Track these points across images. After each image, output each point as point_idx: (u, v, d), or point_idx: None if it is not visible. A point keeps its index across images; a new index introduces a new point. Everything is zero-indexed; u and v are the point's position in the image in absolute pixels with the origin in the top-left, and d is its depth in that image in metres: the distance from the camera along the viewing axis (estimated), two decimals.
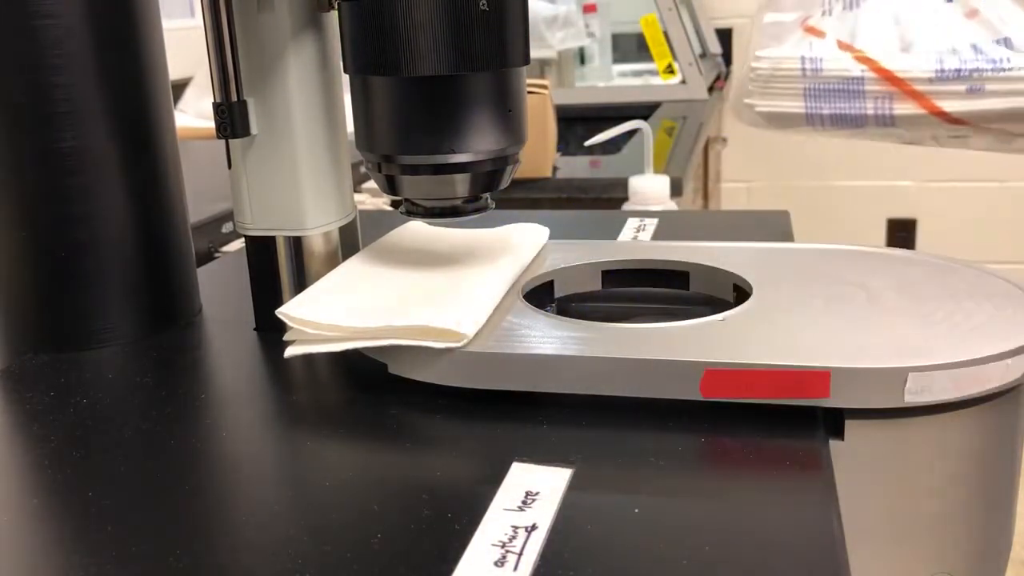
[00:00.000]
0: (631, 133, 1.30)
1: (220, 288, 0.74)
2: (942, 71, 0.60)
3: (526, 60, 0.56)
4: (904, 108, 0.62)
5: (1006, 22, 0.60)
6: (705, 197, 2.17)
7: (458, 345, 0.49)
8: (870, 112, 0.62)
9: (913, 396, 0.45)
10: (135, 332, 0.63)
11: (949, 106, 0.60)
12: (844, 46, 0.62)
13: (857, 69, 0.62)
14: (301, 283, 0.62)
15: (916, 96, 0.61)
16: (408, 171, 0.56)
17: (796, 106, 0.64)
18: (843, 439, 0.46)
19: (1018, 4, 0.61)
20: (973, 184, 2.62)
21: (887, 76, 0.61)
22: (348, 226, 0.65)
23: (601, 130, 1.07)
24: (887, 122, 0.62)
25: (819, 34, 0.63)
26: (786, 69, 0.64)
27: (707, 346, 0.48)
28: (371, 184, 1.30)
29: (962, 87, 0.60)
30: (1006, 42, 0.60)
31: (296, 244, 0.63)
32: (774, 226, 0.84)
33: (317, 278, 0.60)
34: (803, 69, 0.63)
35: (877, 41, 0.62)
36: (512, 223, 0.69)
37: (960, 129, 0.62)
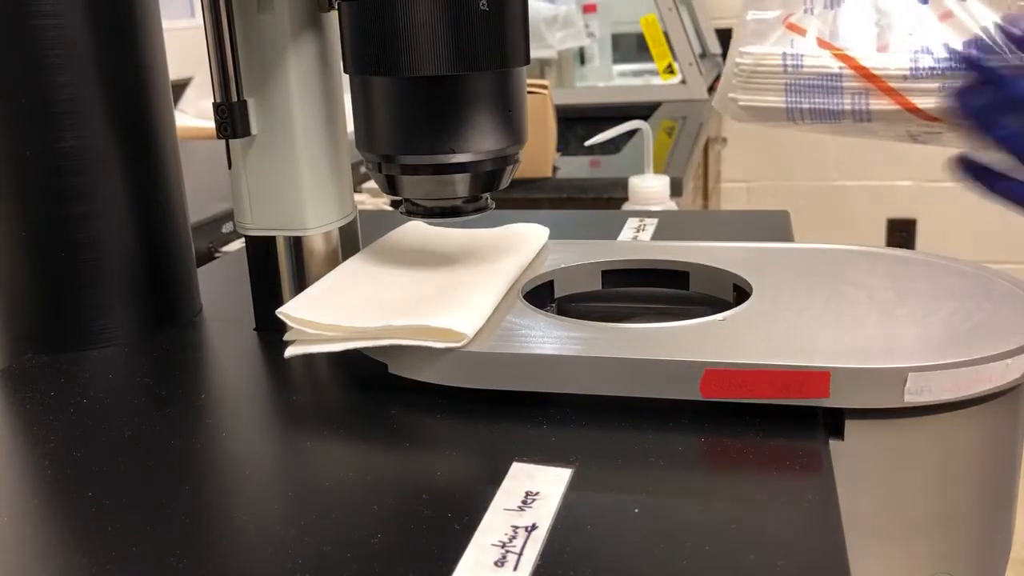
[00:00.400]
0: (631, 133, 1.30)
1: (220, 288, 0.74)
2: (916, 70, 0.61)
3: (526, 60, 0.56)
4: (880, 104, 0.63)
5: (979, 24, 0.61)
6: (705, 197, 2.17)
7: (458, 345, 0.49)
8: (847, 107, 0.64)
9: (913, 396, 0.45)
10: (135, 332, 0.63)
11: (922, 103, 0.61)
12: (824, 44, 0.63)
13: (836, 66, 0.64)
14: (301, 283, 0.62)
15: (891, 93, 0.62)
16: (408, 171, 0.56)
17: (777, 100, 0.66)
18: (843, 439, 0.46)
19: (989, 8, 0.61)
20: None
21: (864, 73, 0.63)
22: (348, 226, 0.65)
23: (601, 130, 1.07)
24: (864, 117, 0.64)
25: (800, 31, 0.65)
26: (768, 65, 0.65)
27: (707, 346, 0.48)
28: (371, 184, 1.30)
29: (935, 85, 0.61)
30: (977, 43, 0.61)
31: (296, 244, 0.63)
32: (774, 226, 0.84)
33: (317, 278, 0.60)
34: (784, 65, 0.65)
35: (856, 39, 0.64)
36: (512, 223, 0.69)
37: (934, 126, 0.63)
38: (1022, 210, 0.56)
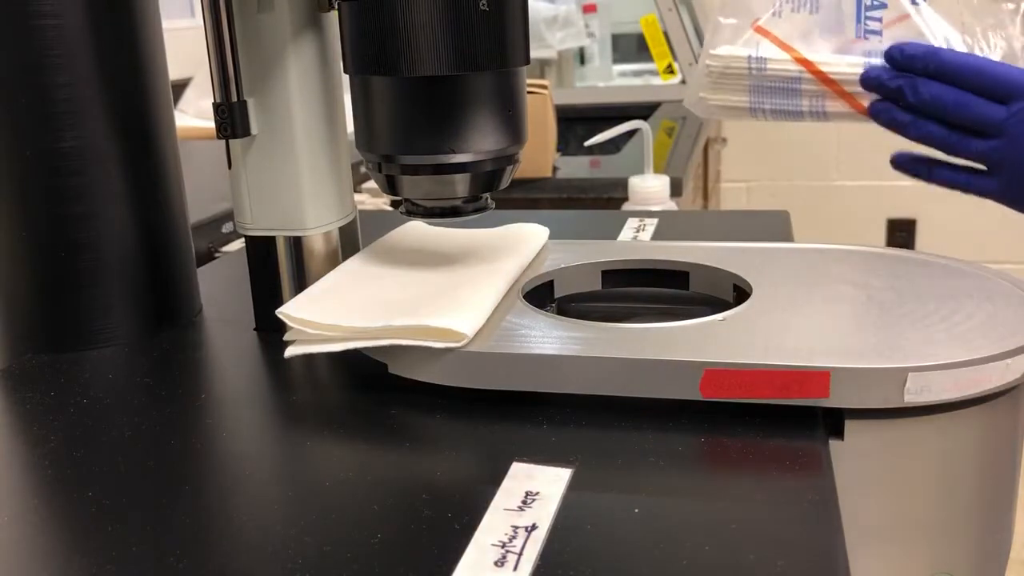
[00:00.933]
0: (631, 133, 1.30)
1: (220, 288, 0.74)
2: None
3: (526, 60, 0.56)
4: (835, 107, 0.67)
5: (932, 32, 0.65)
6: (705, 197, 2.17)
7: (458, 345, 0.49)
8: (805, 109, 0.68)
9: (913, 396, 0.45)
10: (135, 332, 0.63)
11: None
12: (786, 47, 0.67)
13: (795, 70, 0.67)
14: (301, 283, 0.62)
15: (845, 96, 0.66)
16: (408, 171, 0.56)
17: (742, 101, 0.70)
18: (843, 439, 0.46)
19: (941, 15, 0.65)
20: None
21: (821, 77, 0.66)
22: (348, 226, 0.65)
23: (601, 130, 1.07)
24: (821, 117, 0.69)
25: (766, 35, 0.68)
26: (735, 68, 0.69)
27: (707, 346, 0.48)
28: (371, 184, 1.30)
29: None
30: None
31: (296, 244, 0.63)
32: (774, 226, 0.84)
33: (317, 278, 0.60)
34: (749, 68, 0.69)
35: (816, 44, 0.68)
36: (512, 223, 0.69)
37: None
38: (961, 190, 0.65)
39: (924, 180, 0.67)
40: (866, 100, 0.66)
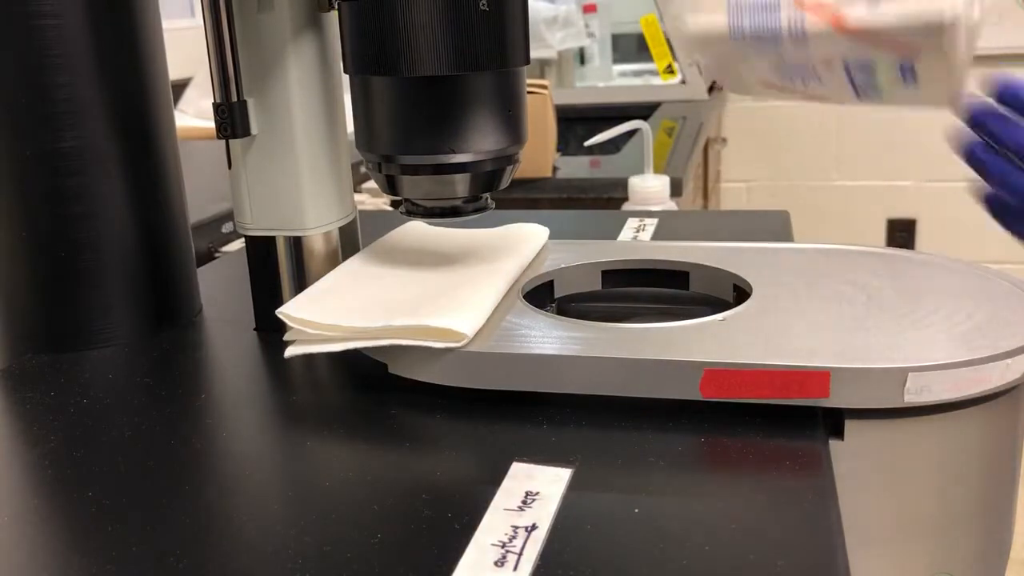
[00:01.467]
0: (631, 133, 1.30)
1: (220, 288, 0.74)
2: None
3: (526, 60, 0.56)
4: (813, 22, 0.66)
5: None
6: (705, 197, 2.17)
7: (458, 345, 0.49)
8: (784, 24, 0.67)
9: (913, 396, 0.45)
10: (135, 332, 0.63)
11: (850, 14, 0.63)
12: None
13: None
14: (301, 283, 0.62)
15: (822, 8, 0.64)
16: (408, 171, 0.56)
17: (720, 21, 0.68)
18: (843, 439, 0.46)
19: None
20: None
21: None
22: (348, 226, 0.65)
23: (601, 130, 1.07)
24: (799, 36, 0.67)
25: None
26: None
27: (707, 346, 0.48)
28: (371, 184, 1.30)
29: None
30: None
31: (296, 244, 0.63)
32: (774, 226, 0.84)
33: (317, 278, 0.60)
34: None
35: None
36: (512, 223, 0.69)
37: (863, 49, 0.64)
38: None
39: (1004, 227, 0.62)
40: (845, 10, 0.63)
